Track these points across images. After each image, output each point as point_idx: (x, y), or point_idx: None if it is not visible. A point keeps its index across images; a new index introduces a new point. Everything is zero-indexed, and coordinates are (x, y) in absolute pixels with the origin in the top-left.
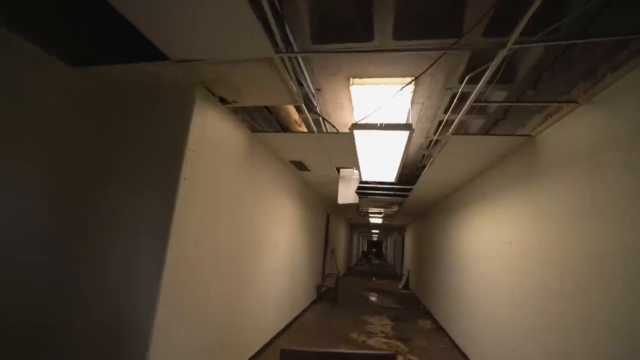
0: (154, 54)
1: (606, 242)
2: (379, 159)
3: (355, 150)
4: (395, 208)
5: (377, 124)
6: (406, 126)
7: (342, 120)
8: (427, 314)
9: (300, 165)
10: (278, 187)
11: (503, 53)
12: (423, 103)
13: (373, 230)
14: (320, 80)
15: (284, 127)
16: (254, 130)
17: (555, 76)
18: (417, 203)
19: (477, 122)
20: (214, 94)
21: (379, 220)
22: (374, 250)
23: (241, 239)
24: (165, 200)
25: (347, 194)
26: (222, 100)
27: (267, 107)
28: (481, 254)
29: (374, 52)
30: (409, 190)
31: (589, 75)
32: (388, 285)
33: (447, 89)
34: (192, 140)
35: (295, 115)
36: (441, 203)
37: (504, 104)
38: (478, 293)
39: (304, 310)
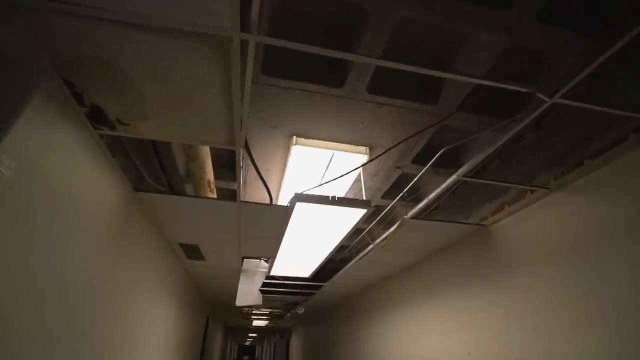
0: None
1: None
2: (309, 245)
3: (282, 232)
4: (302, 310)
5: (329, 197)
6: (363, 203)
7: (259, 195)
8: None
9: (192, 252)
10: (155, 285)
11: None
12: (364, 182)
13: (250, 334)
14: (252, 132)
15: (178, 190)
16: (138, 187)
17: (505, 165)
18: (321, 302)
19: (402, 211)
20: (79, 98)
21: (264, 323)
22: (246, 358)
23: None
24: None
25: (248, 293)
26: (96, 117)
27: (159, 159)
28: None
29: (341, 99)
30: (318, 287)
31: (558, 163)
32: None
33: (397, 167)
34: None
35: (210, 174)
36: (353, 302)
37: (478, 181)
38: None
39: None
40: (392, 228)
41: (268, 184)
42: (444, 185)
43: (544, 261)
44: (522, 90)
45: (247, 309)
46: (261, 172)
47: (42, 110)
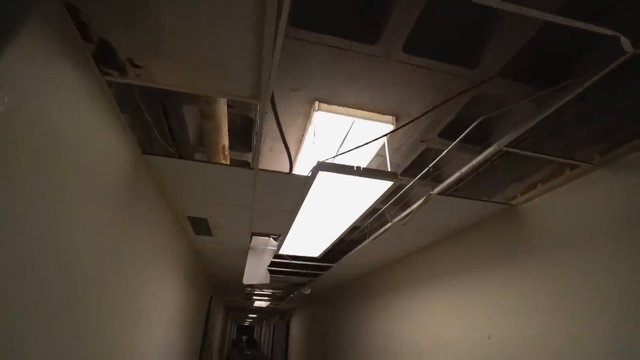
0: None
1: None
2: (325, 220)
3: (298, 206)
4: (308, 290)
5: (353, 167)
6: (390, 175)
7: (273, 168)
8: None
9: (200, 226)
10: (162, 259)
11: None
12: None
13: (250, 315)
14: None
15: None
16: (146, 150)
17: (541, 140)
18: (327, 284)
19: (420, 192)
20: (84, 30)
21: (265, 304)
22: (245, 337)
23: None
24: None
25: (256, 271)
26: (104, 58)
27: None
28: (435, 352)
29: (372, 59)
30: (326, 268)
31: (603, 138)
32: None
33: (422, 141)
34: None
35: (226, 138)
36: (361, 284)
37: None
38: None
39: None
40: (417, 204)
41: (279, 157)
42: (479, 158)
43: (576, 245)
44: (607, 33)
45: (249, 289)
46: (273, 144)
47: (39, 41)
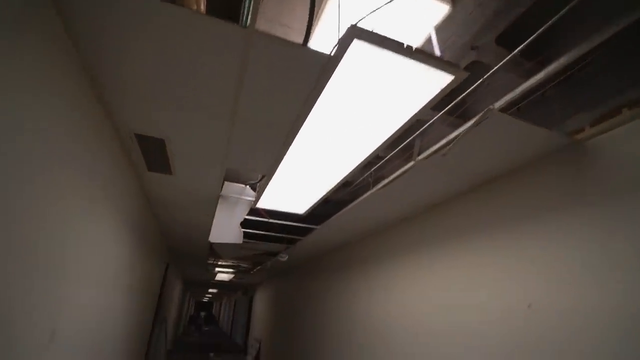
0: None
1: None
2: (335, 145)
3: (302, 112)
4: (285, 257)
5: (403, 44)
6: (451, 66)
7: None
8: None
9: (155, 155)
10: (100, 202)
11: None
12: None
13: (210, 290)
14: None
15: None
16: None
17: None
18: (302, 254)
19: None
20: None
21: (228, 277)
22: (203, 314)
23: None
24: None
25: (227, 228)
26: None
27: None
28: (449, 332)
29: None
30: (307, 232)
31: None
32: None
33: (473, 47)
34: None
35: None
36: (348, 252)
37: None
38: None
39: None
40: (470, 122)
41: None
42: (551, 68)
43: None
44: None
45: (212, 260)
46: (276, 30)
47: None
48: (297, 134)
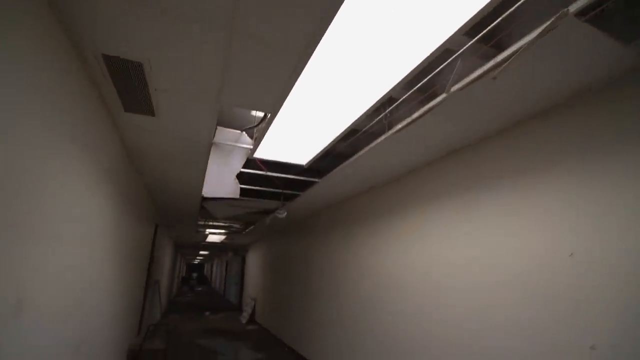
0: None
1: None
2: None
3: (323, 21)
4: (283, 214)
5: None
6: None
7: None
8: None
9: (132, 89)
10: (71, 151)
11: None
12: None
13: (202, 252)
14: None
15: None
16: None
17: None
18: (303, 209)
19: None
20: None
21: (219, 239)
22: (194, 275)
23: None
24: None
25: (221, 180)
26: None
27: None
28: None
29: None
30: (308, 185)
31: None
32: (228, 321)
33: None
34: None
35: None
36: (351, 206)
37: None
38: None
39: None
40: (538, 30)
41: None
42: None
43: None
44: None
45: (204, 221)
46: None
47: None
48: (308, 60)
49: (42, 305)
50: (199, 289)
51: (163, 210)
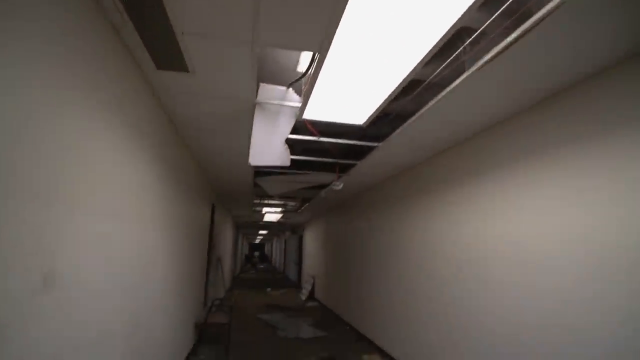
0: None
1: None
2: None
3: None
4: (339, 186)
5: None
6: None
7: None
8: (364, 341)
9: (160, 39)
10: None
11: None
12: None
13: (261, 231)
14: None
15: None
16: None
17: None
18: (357, 182)
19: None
20: None
21: (276, 218)
22: (256, 253)
23: None
24: None
25: (269, 145)
26: None
27: None
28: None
29: None
30: (367, 151)
31: None
32: (288, 297)
33: None
34: None
35: None
36: (411, 176)
37: None
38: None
39: None
40: None
41: None
42: None
43: None
44: None
45: (258, 199)
46: None
47: None
48: None
49: (82, 280)
50: (261, 266)
51: (218, 188)
